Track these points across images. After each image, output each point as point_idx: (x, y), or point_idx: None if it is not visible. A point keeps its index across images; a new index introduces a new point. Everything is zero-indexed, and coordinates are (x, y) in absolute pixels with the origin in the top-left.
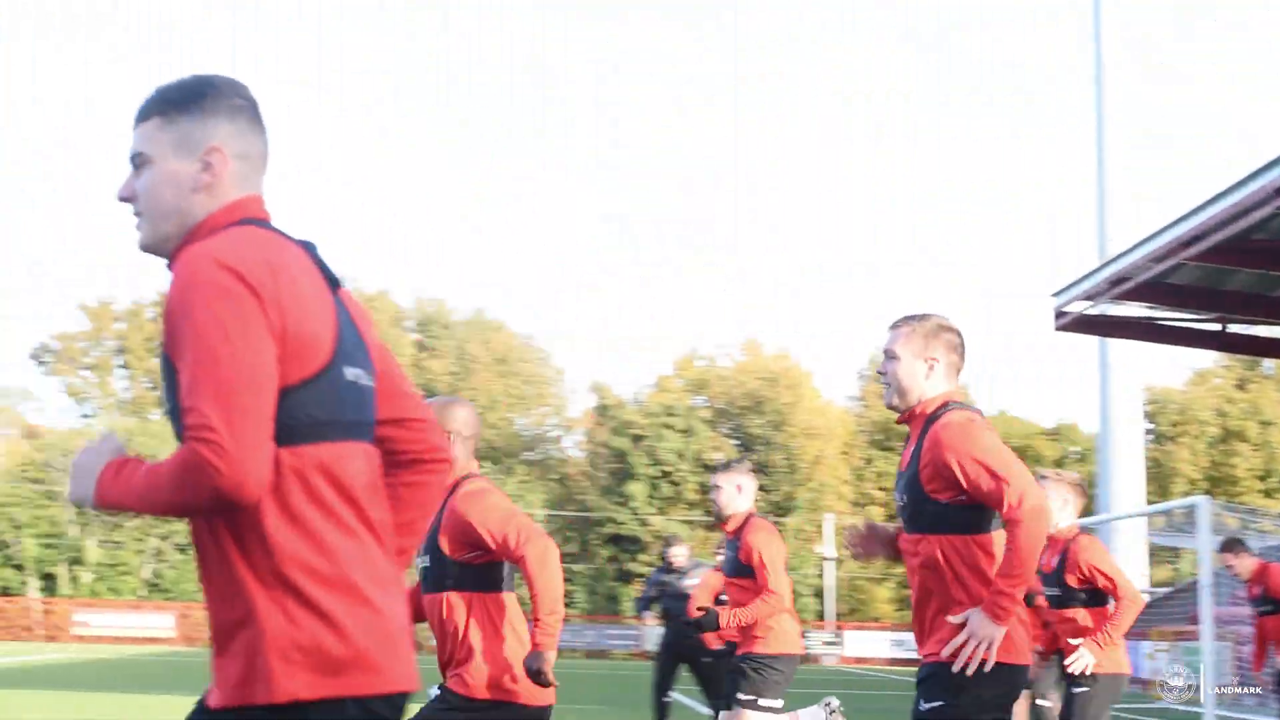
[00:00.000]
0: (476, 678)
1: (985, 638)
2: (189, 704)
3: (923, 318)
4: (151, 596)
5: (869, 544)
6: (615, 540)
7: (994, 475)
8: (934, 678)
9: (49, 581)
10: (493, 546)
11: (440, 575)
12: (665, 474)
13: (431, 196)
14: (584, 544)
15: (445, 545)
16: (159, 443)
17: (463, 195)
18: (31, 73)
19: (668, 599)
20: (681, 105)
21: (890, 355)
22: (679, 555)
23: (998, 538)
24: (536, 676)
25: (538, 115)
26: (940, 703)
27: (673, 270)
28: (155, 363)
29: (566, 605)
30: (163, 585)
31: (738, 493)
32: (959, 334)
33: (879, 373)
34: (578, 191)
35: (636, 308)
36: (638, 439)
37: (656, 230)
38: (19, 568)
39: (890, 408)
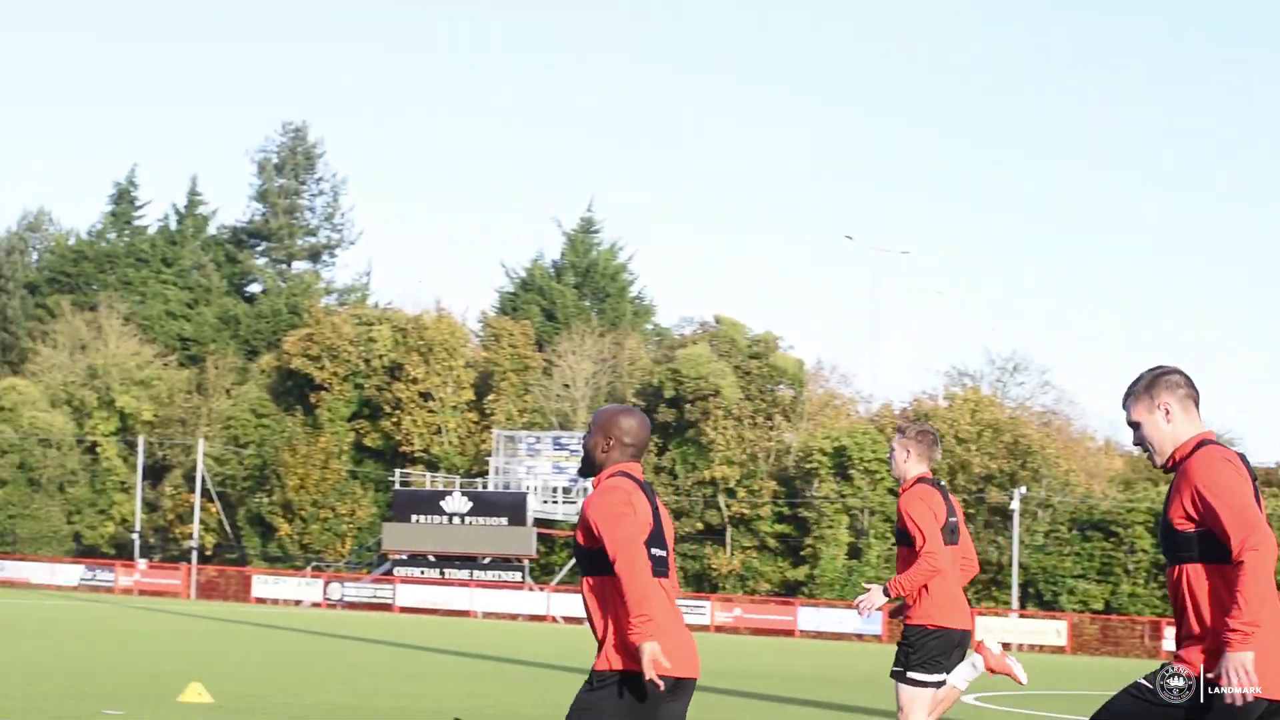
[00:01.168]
0: (606, 654)
1: (1235, 668)
2: None
3: (1138, 379)
4: None
5: None
6: None
7: (1225, 513)
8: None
9: None
10: (596, 541)
11: (579, 561)
12: None
13: None
14: None
15: (579, 535)
16: None
17: None
18: None
19: None
20: None
21: (1134, 425)
22: None
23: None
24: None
25: None
26: None
27: None
28: None
29: None
30: None
31: None
32: (1178, 372)
33: (1136, 443)
34: None
35: None
36: None
37: None
38: None
39: (1161, 469)
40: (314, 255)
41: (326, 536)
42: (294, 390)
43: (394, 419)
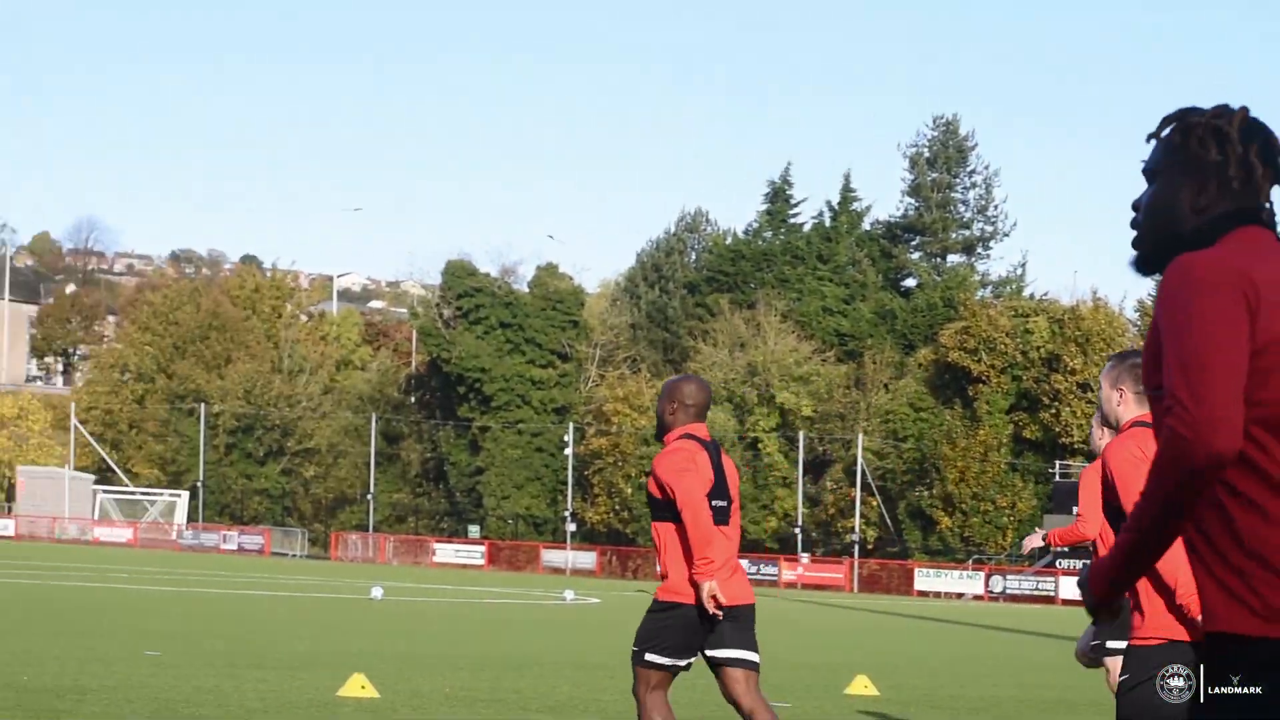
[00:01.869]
0: (669, 586)
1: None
2: None
3: (1120, 355)
4: None
5: None
6: None
7: (1112, 486)
8: None
9: None
10: (664, 493)
11: (650, 508)
12: None
13: None
14: None
15: (651, 486)
16: None
17: None
18: None
19: None
20: None
21: (1101, 388)
22: None
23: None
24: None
25: None
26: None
27: None
28: None
29: None
30: None
31: None
32: None
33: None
34: None
35: None
36: None
37: None
38: None
39: (1108, 428)
40: (968, 248)
41: (987, 529)
42: (951, 383)
43: (1052, 410)
